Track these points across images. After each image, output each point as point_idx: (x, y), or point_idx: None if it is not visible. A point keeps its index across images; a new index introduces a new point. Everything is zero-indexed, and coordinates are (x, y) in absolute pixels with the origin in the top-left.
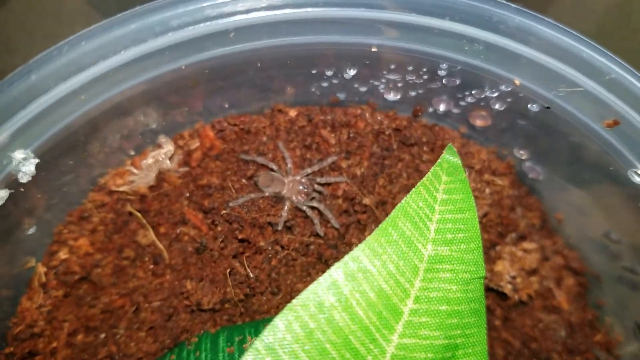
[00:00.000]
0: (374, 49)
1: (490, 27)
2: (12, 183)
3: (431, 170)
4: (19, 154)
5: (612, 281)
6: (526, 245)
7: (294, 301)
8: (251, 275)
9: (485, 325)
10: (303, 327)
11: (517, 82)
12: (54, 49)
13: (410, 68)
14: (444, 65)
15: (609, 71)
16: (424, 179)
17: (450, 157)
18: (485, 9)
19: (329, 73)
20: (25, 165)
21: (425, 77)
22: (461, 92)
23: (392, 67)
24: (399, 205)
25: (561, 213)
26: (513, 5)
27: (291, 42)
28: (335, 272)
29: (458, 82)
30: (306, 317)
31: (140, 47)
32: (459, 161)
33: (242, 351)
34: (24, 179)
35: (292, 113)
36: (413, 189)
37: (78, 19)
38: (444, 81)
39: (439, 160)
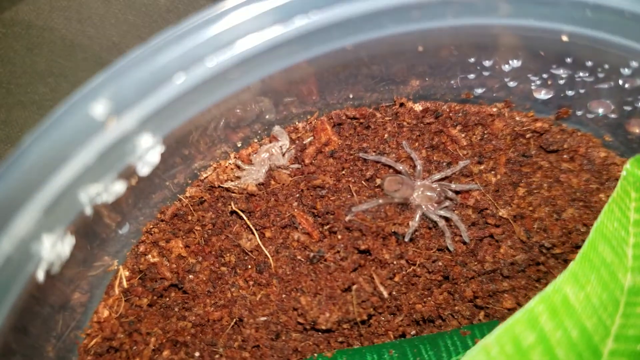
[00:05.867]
0: (564, 38)
1: None
2: (129, 175)
3: (619, 184)
4: (146, 141)
5: None
6: None
7: (488, 339)
8: (386, 295)
9: None
10: None
11: None
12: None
13: (590, 63)
14: (635, 63)
15: None
16: (614, 195)
17: (636, 170)
18: None
19: (487, 63)
20: (149, 154)
21: (600, 75)
22: (635, 95)
23: (569, 60)
24: (595, 226)
25: None
26: None
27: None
28: (537, 306)
29: (639, 82)
30: (501, 359)
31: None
32: None
33: None
34: (143, 170)
35: (417, 108)
36: (605, 207)
37: None
38: (620, 81)
39: (624, 173)
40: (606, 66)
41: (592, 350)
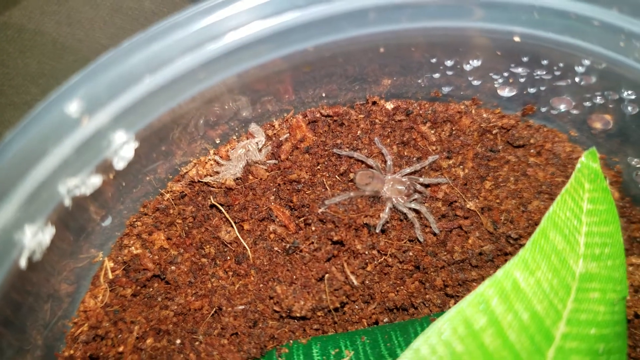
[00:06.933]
0: (516, 39)
1: None
2: (106, 169)
3: (573, 176)
4: (120, 137)
5: None
6: (634, 260)
7: (439, 321)
8: (355, 283)
9: (626, 350)
10: (450, 350)
11: None
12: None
13: (545, 62)
14: (587, 62)
15: None
16: (568, 186)
17: (590, 163)
18: None
19: (449, 63)
20: (124, 149)
21: (557, 72)
22: (591, 92)
23: (525, 59)
24: (547, 214)
25: None
26: None
27: (426, 27)
28: (487, 289)
29: (594, 80)
30: (453, 340)
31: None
32: (599, 167)
33: None
34: (119, 165)
35: (389, 106)
36: (558, 197)
37: None
38: (577, 79)
39: (579, 165)
40: (561, 64)
41: (543, 334)
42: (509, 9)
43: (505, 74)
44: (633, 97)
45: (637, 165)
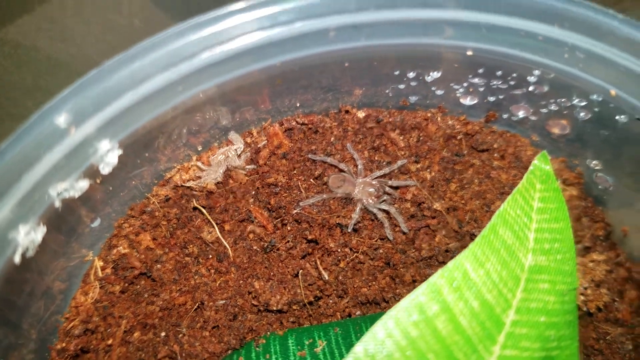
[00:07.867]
0: (469, 53)
1: (597, 37)
2: (93, 174)
3: (525, 177)
4: (104, 145)
5: None
6: (595, 256)
7: (395, 309)
8: (326, 277)
9: (577, 338)
10: (405, 335)
11: (613, 92)
12: (146, 44)
13: (499, 73)
14: (537, 72)
15: None
16: (520, 186)
17: (542, 165)
18: (595, 19)
19: (411, 75)
20: (109, 156)
21: (512, 82)
22: (546, 99)
23: (481, 71)
24: (497, 212)
25: (627, 225)
26: (621, 16)
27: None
28: (439, 279)
29: (546, 89)
30: (408, 326)
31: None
32: (551, 169)
33: (313, 355)
34: (105, 170)
35: (360, 114)
36: (510, 196)
37: (136, 12)
38: (530, 88)
39: (531, 167)
40: (514, 75)
41: (494, 321)
42: (461, 26)
43: (465, 84)
44: (583, 103)
45: (596, 167)
